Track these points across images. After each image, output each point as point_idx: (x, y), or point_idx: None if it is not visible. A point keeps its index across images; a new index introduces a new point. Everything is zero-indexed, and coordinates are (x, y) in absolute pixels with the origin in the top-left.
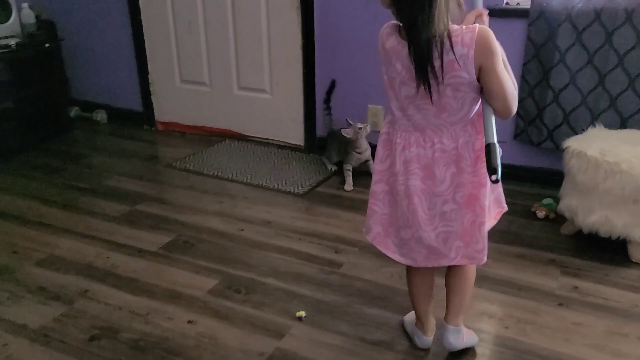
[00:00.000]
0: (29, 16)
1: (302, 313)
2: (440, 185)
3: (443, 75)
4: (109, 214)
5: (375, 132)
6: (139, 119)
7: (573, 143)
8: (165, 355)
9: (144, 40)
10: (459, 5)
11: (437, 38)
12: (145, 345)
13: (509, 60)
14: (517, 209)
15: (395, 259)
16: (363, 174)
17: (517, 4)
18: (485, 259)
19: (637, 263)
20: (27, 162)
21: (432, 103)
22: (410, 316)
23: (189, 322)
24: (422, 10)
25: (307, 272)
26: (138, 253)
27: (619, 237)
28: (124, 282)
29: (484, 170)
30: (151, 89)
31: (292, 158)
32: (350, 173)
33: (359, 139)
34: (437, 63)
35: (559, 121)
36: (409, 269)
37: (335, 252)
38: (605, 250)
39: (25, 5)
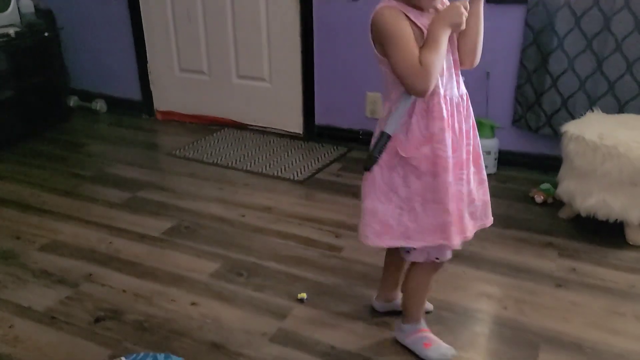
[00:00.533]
0: (27, 5)
1: (304, 295)
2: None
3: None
4: (110, 200)
5: (373, 120)
6: (138, 108)
7: (571, 127)
8: (170, 335)
9: (142, 30)
10: None
11: None
12: (149, 326)
13: (506, 46)
14: (516, 194)
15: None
16: (360, 161)
17: None
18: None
19: (634, 245)
20: (28, 151)
21: None
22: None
23: (192, 303)
24: None
25: (308, 256)
26: (140, 238)
27: (617, 219)
28: (127, 266)
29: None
30: (150, 78)
31: (291, 146)
32: None
33: None
34: None
35: (558, 106)
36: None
37: (336, 237)
38: (603, 233)
39: None
